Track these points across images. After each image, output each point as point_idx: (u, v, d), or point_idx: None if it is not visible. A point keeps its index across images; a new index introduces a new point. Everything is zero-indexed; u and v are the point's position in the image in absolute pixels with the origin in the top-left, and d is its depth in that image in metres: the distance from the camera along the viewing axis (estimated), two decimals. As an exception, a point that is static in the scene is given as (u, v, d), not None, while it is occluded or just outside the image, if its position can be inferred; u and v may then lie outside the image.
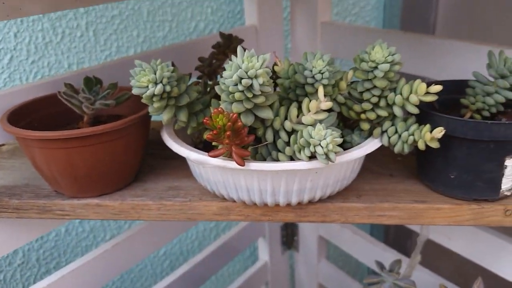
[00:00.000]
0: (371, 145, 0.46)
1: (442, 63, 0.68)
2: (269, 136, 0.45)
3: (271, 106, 0.44)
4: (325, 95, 0.43)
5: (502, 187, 0.46)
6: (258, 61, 0.39)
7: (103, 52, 0.82)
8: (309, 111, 0.43)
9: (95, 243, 0.94)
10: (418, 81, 0.44)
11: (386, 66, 0.43)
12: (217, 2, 0.90)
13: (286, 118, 0.44)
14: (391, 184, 0.51)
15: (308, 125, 0.42)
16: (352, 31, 0.80)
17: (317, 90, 0.43)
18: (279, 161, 0.44)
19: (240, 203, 0.48)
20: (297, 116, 0.44)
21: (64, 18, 0.77)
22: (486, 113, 0.49)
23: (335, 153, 0.40)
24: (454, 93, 0.51)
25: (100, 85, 0.53)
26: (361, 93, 0.46)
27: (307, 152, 0.41)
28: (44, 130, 0.46)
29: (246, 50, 0.41)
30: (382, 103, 0.46)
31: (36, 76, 0.78)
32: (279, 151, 0.45)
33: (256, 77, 0.39)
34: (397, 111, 0.45)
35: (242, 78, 0.39)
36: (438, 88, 0.43)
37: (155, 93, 0.41)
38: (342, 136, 0.44)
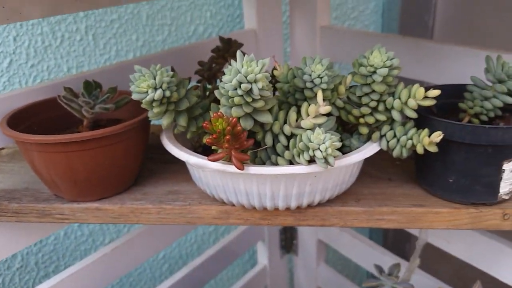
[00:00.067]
0: (369, 149, 0.46)
1: (440, 67, 0.68)
2: (268, 140, 0.45)
3: (270, 110, 0.44)
4: (324, 100, 0.43)
5: (500, 191, 0.46)
6: (257, 66, 0.40)
7: (102, 56, 0.83)
8: (308, 115, 0.43)
9: (94, 246, 0.94)
10: (416, 85, 0.45)
11: (384, 71, 0.43)
12: (216, 6, 0.90)
13: (285, 122, 0.44)
14: (390, 188, 0.52)
15: (307, 129, 0.43)
16: (351, 35, 0.81)
17: (316, 94, 0.43)
18: (278, 165, 0.44)
19: (239, 207, 0.48)
20: (296, 120, 0.44)
21: (63, 22, 0.77)
22: (484, 118, 0.49)
23: (334, 157, 0.40)
24: (452, 97, 0.51)
25: (99, 89, 0.53)
26: (360, 97, 0.46)
27: (306, 156, 0.41)
28: (44, 134, 0.46)
29: (246, 55, 0.41)
30: (381, 107, 0.46)
31: (36, 79, 0.78)
32: (278, 155, 0.45)
33: (255, 81, 0.39)
34: (395, 115, 0.45)
35: (242, 83, 0.39)
36: (436, 92, 0.43)
37: (155, 98, 0.42)
38: (341, 140, 0.44)
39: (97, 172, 0.48)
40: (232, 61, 0.41)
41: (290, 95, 0.46)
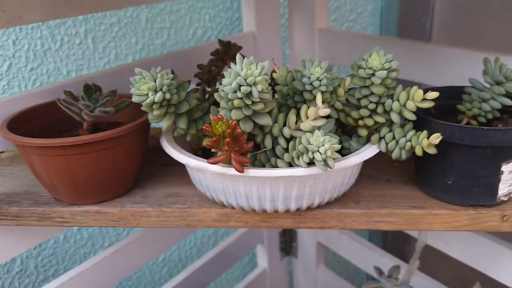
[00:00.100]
0: (369, 151, 0.46)
1: (438, 69, 0.69)
2: (268, 142, 0.45)
3: (269, 113, 0.44)
4: (323, 102, 0.43)
5: (499, 192, 0.46)
6: (257, 69, 0.40)
7: (101, 59, 0.83)
8: (307, 117, 0.43)
9: (93, 250, 0.94)
10: (415, 87, 0.45)
11: (383, 73, 0.43)
12: (215, 9, 0.90)
13: (284, 125, 0.45)
14: (389, 190, 0.52)
15: (307, 132, 0.43)
16: (349, 38, 0.81)
17: (315, 96, 0.43)
18: (277, 167, 0.44)
19: (239, 210, 0.48)
20: (296, 123, 0.44)
21: (63, 26, 0.77)
22: (482, 119, 0.49)
23: (334, 159, 0.41)
24: (450, 99, 0.51)
25: (99, 93, 0.53)
26: (359, 99, 0.46)
27: (305, 159, 0.41)
28: (44, 137, 0.46)
29: (245, 58, 0.41)
30: (380, 109, 0.46)
31: (35, 83, 0.78)
32: (278, 157, 0.45)
33: (255, 84, 0.40)
34: (394, 117, 0.46)
35: (241, 85, 0.40)
36: (434, 94, 0.44)
37: (155, 100, 0.42)
38: (340, 142, 0.45)
39: (97, 175, 0.48)
40: (232, 64, 0.41)
41: (289, 97, 0.47)
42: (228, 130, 0.39)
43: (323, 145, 0.40)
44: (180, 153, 0.46)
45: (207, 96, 0.54)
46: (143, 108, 0.43)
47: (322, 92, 0.43)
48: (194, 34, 0.90)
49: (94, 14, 0.79)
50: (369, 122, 0.47)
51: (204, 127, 0.40)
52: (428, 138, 0.44)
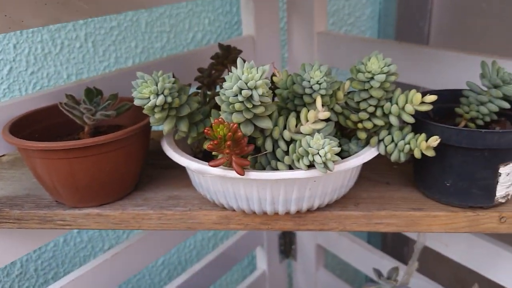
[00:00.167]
0: (368, 153, 0.47)
1: (436, 73, 0.69)
2: (268, 145, 0.45)
3: (270, 116, 0.44)
4: (322, 105, 0.44)
5: (496, 194, 0.47)
6: (257, 73, 0.40)
7: (101, 63, 0.83)
8: (307, 120, 0.44)
9: (93, 253, 0.94)
10: (413, 91, 0.45)
11: (382, 77, 0.44)
12: (214, 13, 0.91)
13: (285, 128, 0.45)
14: (388, 192, 0.52)
15: (307, 135, 0.43)
16: (348, 41, 0.82)
17: (315, 100, 0.44)
18: (278, 170, 0.45)
19: (240, 212, 0.48)
20: (296, 126, 0.44)
21: (63, 30, 0.78)
22: (480, 122, 0.50)
23: (333, 162, 0.41)
24: (448, 102, 0.52)
25: (100, 96, 0.53)
26: (358, 103, 0.47)
27: (305, 161, 0.42)
28: (45, 140, 0.47)
29: (246, 62, 0.41)
30: (379, 112, 0.47)
31: (35, 87, 0.79)
32: (278, 160, 0.45)
33: (255, 88, 0.40)
34: (393, 120, 0.46)
35: (242, 89, 0.40)
36: (433, 97, 0.44)
37: (157, 104, 0.42)
38: (340, 145, 0.45)
39: (98, 178, 0.48)
40: (233, 68, 0.41)
41: (289, 101, 0.47)
42: (229, 133, 0.40)
43: (323, 148, 0.40)
44: (181, 156, 0.47)
45: (207, 99, 0.55)
46: (145, 112, 0.44)
47: (322, 96, 0.44)
48: (194, 37, 0.90)
49: (94, 18, 0.80)
50: (368, 125, 0.47)
51: (205, 130, 0.40)
52: (426, 140, 0.44)
